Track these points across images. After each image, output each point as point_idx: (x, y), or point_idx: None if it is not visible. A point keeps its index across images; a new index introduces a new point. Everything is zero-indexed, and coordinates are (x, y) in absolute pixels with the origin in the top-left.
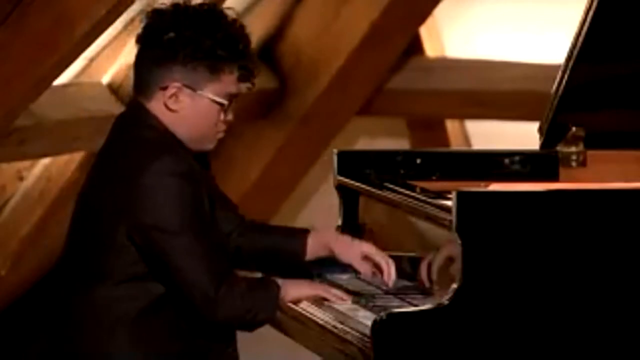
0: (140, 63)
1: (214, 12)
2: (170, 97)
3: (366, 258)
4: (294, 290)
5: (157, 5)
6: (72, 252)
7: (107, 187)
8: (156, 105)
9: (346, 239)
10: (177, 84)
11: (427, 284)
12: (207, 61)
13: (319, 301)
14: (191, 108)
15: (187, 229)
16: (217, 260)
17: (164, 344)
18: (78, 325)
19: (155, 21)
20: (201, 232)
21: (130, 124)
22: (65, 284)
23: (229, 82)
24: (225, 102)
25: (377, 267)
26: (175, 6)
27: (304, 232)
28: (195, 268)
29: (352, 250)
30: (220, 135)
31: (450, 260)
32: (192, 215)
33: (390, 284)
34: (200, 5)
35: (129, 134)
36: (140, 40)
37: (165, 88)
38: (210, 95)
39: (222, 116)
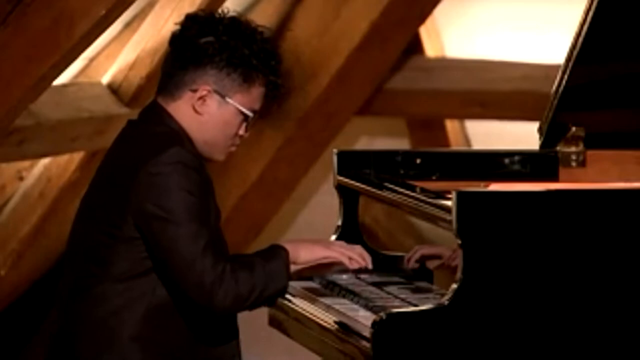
0: (172, 64)
1: (249, 25)
2: (199, 99)
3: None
4: (306, 253)
5: (191, 12)
6: (77, 250)
7: (117, 179)
8: (181, 106)
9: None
10: (207, 87)
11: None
12: (241, 69)
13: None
14: (216, 114)
15: (192, 218)
16: (219, 249)
17: (168, 343)
18: (81, 322)
19: (191, 25)
20: (204, 222)
21: (143, 121)
22: (69, 280)
23: (257, 95)
24: (250, 114)
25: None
26: (211, 14)
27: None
28: (198, 255)
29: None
30: (233, 149)
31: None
32: (197, 205)
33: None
34: (235, 17)
35: (141, 129)
36: (174, 42)
37: (195, 90)
38: (238, 105)
39: (241, 130)
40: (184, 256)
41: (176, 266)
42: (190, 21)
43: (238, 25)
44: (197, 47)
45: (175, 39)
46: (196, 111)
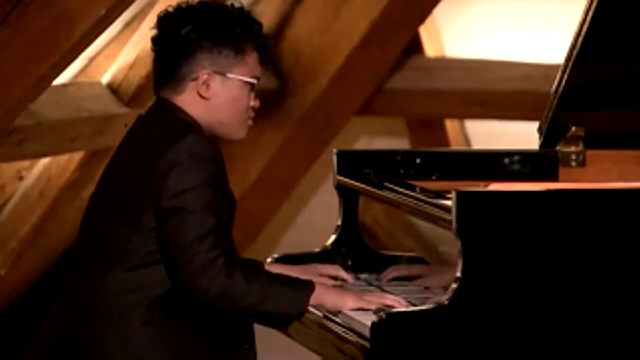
0: (163, 61)
1: (218, 3)
2: (203, 84)
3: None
4: (336, 301)
5: (161, 11)
6: (88, 241)
7: (136, 171)
8: (187, 98)
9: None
10: (206, 71)
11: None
12: (229, 43)
13: None
14: (223, 93)
15: (204, 209)
16: (224, 241)
17: (179, 330)
18: (90, 311)
19: (168, 22)
20: (216, 214)
21: (155, 116)
22: (79, 269)
23: (253, 62)
24: (254, 81)
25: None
26: (179, 6)
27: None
28: (198, 238)
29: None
30: (250, 122)
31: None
32: (212, 197)
33: None
34: (202, 1)
35: (154, 123)
36: (158, 43)
37: (196, 79)
38: (240, 77)
39: (251, 101)
40: (185, 238)
41: (176, 248)
42: (164, 20)
43: (210, 5)
44: (181, 39)
45: (158, 40)
46: (203, 97)
